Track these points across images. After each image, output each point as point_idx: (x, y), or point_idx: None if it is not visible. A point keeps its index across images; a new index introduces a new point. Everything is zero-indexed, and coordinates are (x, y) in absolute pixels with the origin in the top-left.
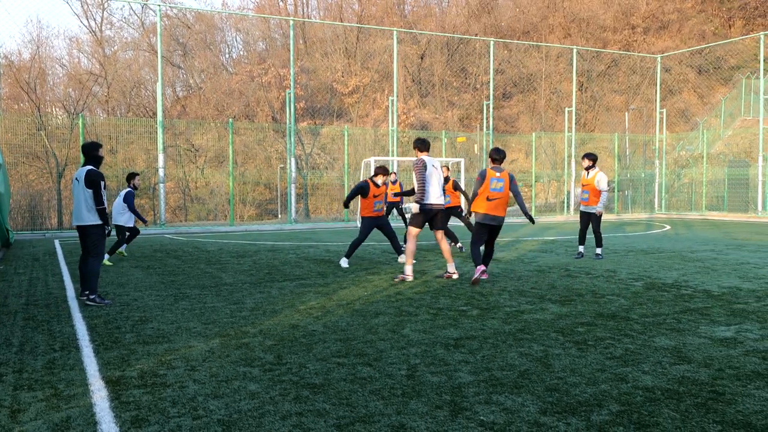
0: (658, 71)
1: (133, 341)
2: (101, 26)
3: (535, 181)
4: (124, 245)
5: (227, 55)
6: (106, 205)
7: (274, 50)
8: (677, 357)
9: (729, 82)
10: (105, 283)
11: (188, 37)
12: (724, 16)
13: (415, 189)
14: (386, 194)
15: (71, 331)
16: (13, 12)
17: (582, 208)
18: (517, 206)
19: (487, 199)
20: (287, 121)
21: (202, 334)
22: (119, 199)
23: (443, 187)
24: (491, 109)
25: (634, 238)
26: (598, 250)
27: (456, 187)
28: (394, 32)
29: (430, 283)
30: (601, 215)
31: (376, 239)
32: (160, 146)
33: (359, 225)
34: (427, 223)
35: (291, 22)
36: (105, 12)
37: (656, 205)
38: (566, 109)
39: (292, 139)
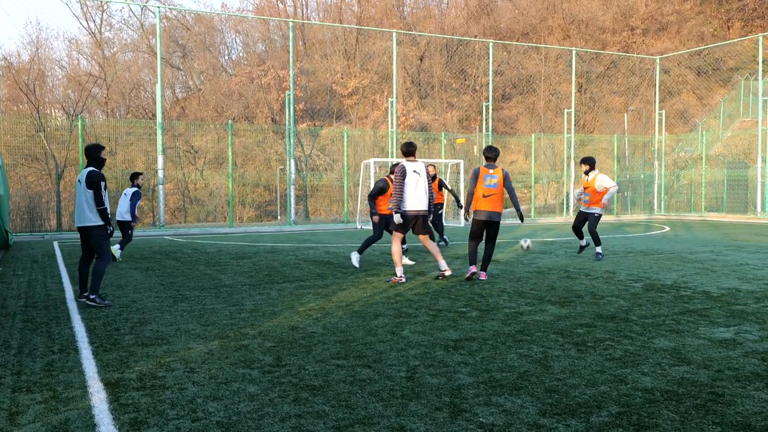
0: (657, 72)
1: (132, 343)
2: (101, 28)
3: (535, 183)
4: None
5: (226, 57)
6: (107, 206)
7: (273, 52)
8: (676, 358)
9: (728, 83)
10: (104, 284)
11: (188, 38)
12: (722, 17)
13: (392, 196)
14: None
15: (70, 333)
16: (12, 13)
17: (582, 208)
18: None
19: (483, 195)
20: (287, 123)
21: (201, 335)
22: (125, 198)
23: (429, 186)
24: (490, 111)
25: (633, 239)
26: (598, 249)
27: (441, 186)
28: (394, 34)
29: (429, 285)
30: (600, 216)
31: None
32: (159, 148)
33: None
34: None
35: (290, 24)
36: (104, 14)
37: (655, 207)
38: (565, 110)
39: (292, 141)
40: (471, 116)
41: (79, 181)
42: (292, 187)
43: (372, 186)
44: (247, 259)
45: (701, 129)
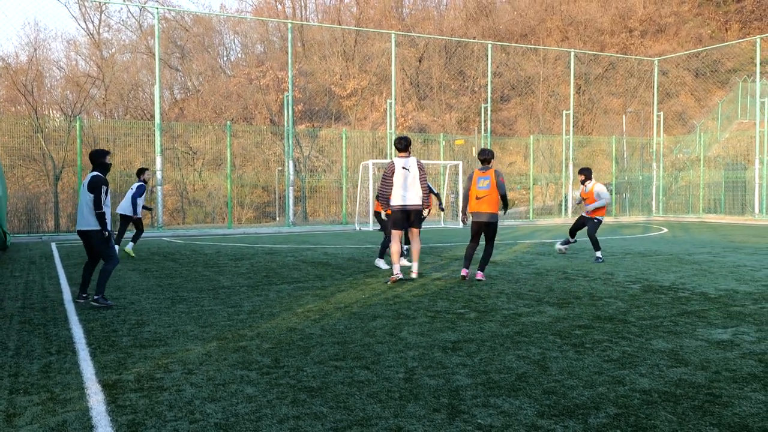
0: (656, 74)
1: (129, 344)
2: (99, 29)
3: (533, 184)
4: (130, 244)
5: (225, 58)
6: (104, 211)
7: (272, 53)
8: (674, 360)
9: (726, 85)
10: None
11: (186, 39)
12: (720, 19)
13: (379, 195)
14: None
15: (68, 335)
16: (10, 14)
17: (584, 214)
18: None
19: (476, 197)
20: (285, 124)
21: (199, 337)
22: (131, 192)
23: (423, 179)
24: (489, 112)
25: (631, 240)
26: (598, 254)
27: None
28: (392, 35)
29: (427, 286)
30: (599, 222)
31: (374, 242)
32: (157, 149)
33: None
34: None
35: (289, 25)
36: (103, 15)
37: (653, 208)
38: (564, 111)
39: (290, 142)
40: (470, 117)
41: (83, 185)
42: (291, 188)
43: (376, 186)
44: (246, 261)
45: (699, 131)
